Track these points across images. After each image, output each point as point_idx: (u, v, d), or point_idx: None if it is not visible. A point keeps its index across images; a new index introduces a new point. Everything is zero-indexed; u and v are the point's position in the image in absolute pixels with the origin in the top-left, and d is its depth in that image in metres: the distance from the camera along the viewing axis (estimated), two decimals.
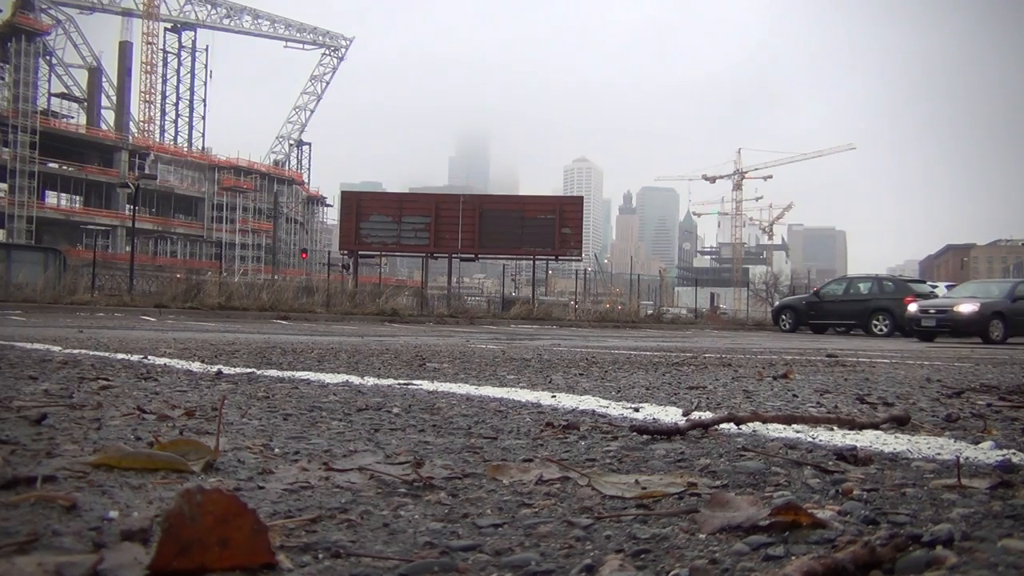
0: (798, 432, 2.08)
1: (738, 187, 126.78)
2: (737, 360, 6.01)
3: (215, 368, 3.85)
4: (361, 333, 10.91)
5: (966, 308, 17.38)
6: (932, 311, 17.72)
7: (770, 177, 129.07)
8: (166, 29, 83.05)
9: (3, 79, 65.75)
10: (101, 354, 4.63)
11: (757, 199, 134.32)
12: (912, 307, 18.62)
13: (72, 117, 74.02)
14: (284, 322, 16.58)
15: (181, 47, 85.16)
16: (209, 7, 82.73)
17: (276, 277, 35.17)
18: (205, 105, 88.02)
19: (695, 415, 2.35)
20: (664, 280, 54.98)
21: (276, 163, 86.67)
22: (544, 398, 2.91)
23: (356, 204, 28.78)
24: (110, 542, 1.01)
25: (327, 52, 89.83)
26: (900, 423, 2.23)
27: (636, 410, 2.58)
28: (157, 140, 79.63)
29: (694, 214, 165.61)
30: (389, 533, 1.12)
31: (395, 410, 2.48)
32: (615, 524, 1.19)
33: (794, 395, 3.26)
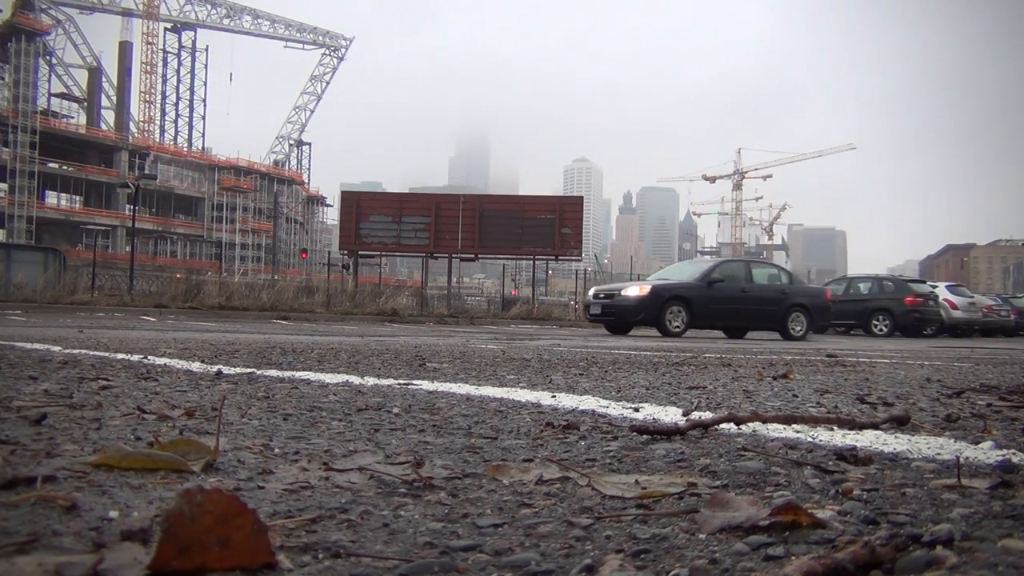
0: (798, 432, 2.08)
1: (738, 187, 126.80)
2: (737, 360, 6.01)
3: (215, 368, 3.85)
4: (361, 333, 10.91)
5: (632, 292, 14.46)
6: (602, 295, 15.07)
7: (770, 176, 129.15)
8: (166, 29, 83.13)
9: (3, 79, 65.79)
10: (101, 354, 4.63)
11: (757, 199, 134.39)
12: (591, 291, 16.21)
13: (72, 117, 74.11)
14: (284, 322, 16.58)
15: (181, 47, 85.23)
16: (209, 7, 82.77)
17: (276, 277, 35.18)
18: (205, 105, 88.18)
19: (695, 415, 2.35)
20: None
21: (276, 163, 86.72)
22: (544, 398, 2.91)
23: (356, 204, 28.79)
24: (110, 542, 1.01)
25: (327, 52, 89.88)
26: (900, 423, 2.23)
27: (636, 410, 2.58)
28: (157, 140, 79.68)
29: (694, 214, 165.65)
30: (389, 533, 1.12)
31: (395, 410, 2.47)
32: (615, 524, 1.19)
33: (794, 395, 3.26)
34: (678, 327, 14.06)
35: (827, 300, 16.42)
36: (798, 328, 15.31)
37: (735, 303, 14.94)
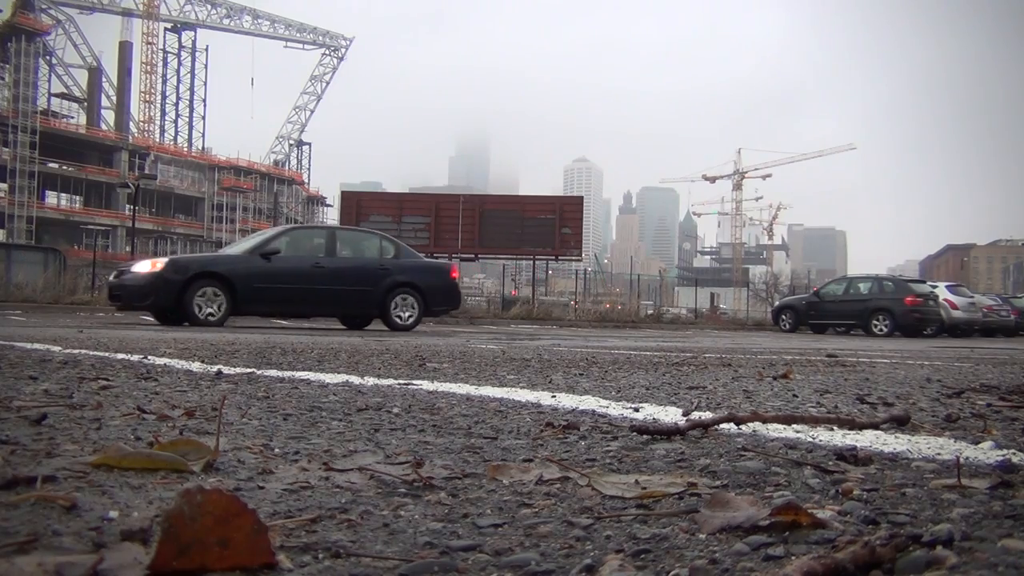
0: (798, 432, 2.08)
1: (738, 187, 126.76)
2: (737, 360, 6.01)
3: (215, 368, 3.85)
4: (361, 333, 10.91)
5: (143, 268, 11.39)
6: (117, 273, 12.04)
7: (769, 176, 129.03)
8: (166, 29, 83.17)
9: (3, 79, 65.82)
10: (101, 354, 4.63)
11: (757, 199, 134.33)
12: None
13: (72, 117, 74.16)
14: (284, 322, 16.58)
15: (181, 47, 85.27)
16: (209, 7, 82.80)
17: None
18: (205, 105, 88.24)
19: (695, 415, 2.35)
20: (664, 280, 54.95)
21: (276, 163, 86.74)
22: (544, 398, 2.91)
23: (356, 204, 28.85)
24: (110, 542, 1.01)
25: (327, 52, 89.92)
26: (900, 423, 2.23)
27: (636, 410, 2.58)
28: (157, 140, 79.72)
29: (694, 214, 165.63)
30: (389, 533, 1.12)
31: (395, 410, 2.47)
32: (615, 524, 1.19)
33: (794, 395, 3.26)
34: (212, 314, 10.83)
35: (450, 278, 12.97)
36: (405, 314, 12.14)
37: (306, 282, 11.67)
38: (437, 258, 30.69)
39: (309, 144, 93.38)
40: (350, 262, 12.37)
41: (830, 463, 1.65)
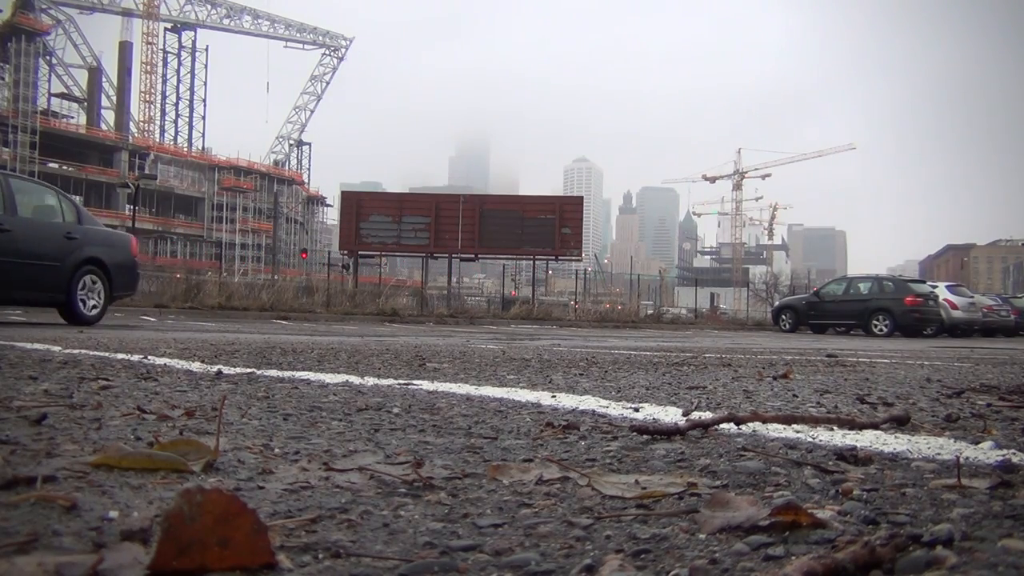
0: (798, 432, 2.08)
1: (738, 187, 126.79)
2: (737, 360, 6.01)
3: (215, 368, 3.85)
4: (361, 333, 10.91)
5: None
6: None
7: (769, 176, 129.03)
8: (166, 29, 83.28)
9: (3, 79, 65.88)
10: (101, 354, 4.63)
11: (757, 199, 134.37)
12: None
13: (72, 117, 74.26)
14: (284, 322, 16.58)
15: (181, 47, 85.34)
16: (209, 7, 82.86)
17: (276, 277, 35.16)
18: (205, 105, 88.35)
19: (695, 415, 2.35)
20: (664, 280, 54.92)
21: (276, 163, 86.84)
22: (544, 398, 2.91)
23: (356, 204, 28.85)
24: (110, 542, 1.01)
25: (327, 52, 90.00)
26: (900, 423, 2.23)
27: (636, 410, 2.58)
28: (157, 140, 79.80)
29: (694, 214, 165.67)
30: (389, 533, 1.12)
31: (395, 410, 2.47)
32: (615, 524, 1.19)
33: (794, 395, 3.26)
34: None
35: (132, 255, 10.22)
36: (95, 301, 9.33)
37: None
38: (436, 258, 30.73)
39: (309, 144, 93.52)
40: (36, 228, 8.95)
41: (830, 463, 1.65)
